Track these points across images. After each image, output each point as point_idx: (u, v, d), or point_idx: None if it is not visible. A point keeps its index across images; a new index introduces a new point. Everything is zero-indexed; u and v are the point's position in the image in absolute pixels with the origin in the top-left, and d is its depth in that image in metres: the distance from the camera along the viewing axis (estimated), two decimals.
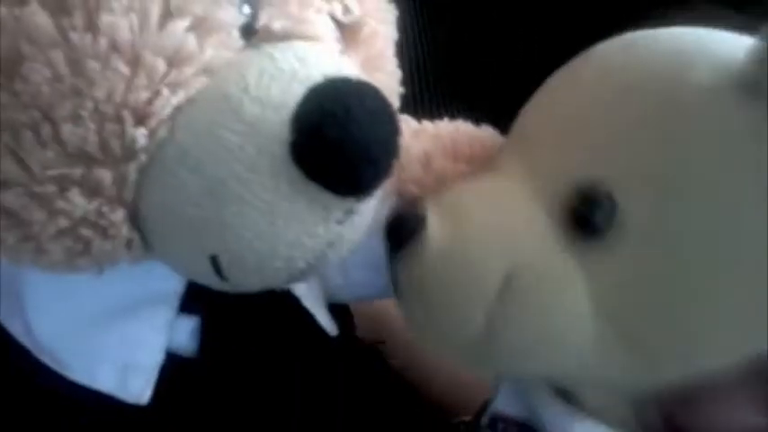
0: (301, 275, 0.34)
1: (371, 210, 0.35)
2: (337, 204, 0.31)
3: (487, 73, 0.73)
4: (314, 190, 0.31)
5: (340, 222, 0.32)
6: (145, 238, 0.33)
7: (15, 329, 0.38)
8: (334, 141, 0.29)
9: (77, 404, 0.37)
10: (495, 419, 0.41)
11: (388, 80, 0.38)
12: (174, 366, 0.38)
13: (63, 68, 0.29)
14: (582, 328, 0.33)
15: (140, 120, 0.30)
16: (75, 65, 0.29)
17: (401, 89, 0.39)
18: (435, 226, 0.35)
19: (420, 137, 0.43)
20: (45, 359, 0.38)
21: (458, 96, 0.71)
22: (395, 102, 0.38)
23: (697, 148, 0.32)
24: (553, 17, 0.69)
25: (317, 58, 0.32)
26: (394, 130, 0.32)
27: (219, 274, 0.33)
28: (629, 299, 0.33)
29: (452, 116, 0.44)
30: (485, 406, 0.43)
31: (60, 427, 0.38)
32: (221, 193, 0.31)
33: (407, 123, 0.43)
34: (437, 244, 0.35)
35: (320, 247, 0.32)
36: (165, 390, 0.38)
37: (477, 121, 0.44)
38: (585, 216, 0.33)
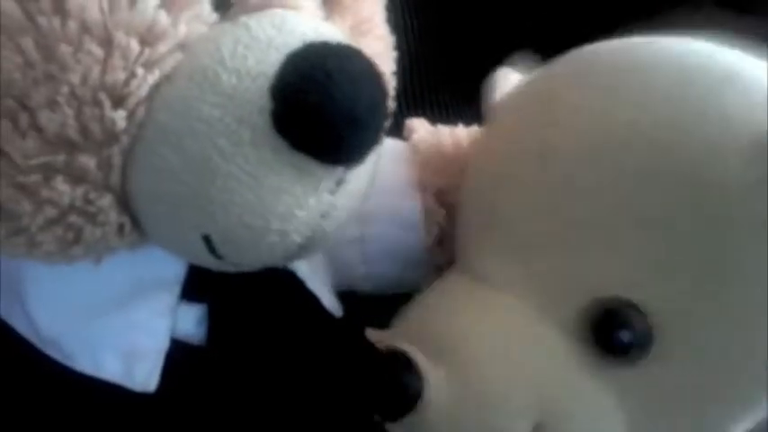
0: (300, 251, 0.33)
1: (366, 176, 0.33)
2: (327, 173, 0.31)
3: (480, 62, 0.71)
4: (300, 159, 0.30)
5: (332, 192, 0.31)
6: (137, 223, 0.33)
7: (18, 324, 0.38)
8: (316, 107, 0.29)
9: (85, 395, 0.37)
10: None
11: (378, 44, 0.37)
12: (182, 355, 0.38)
13: (34, 54, 0.29)
14: None
15: (118, 102, 0.30)
16: (47, 50, 0.29)
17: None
18: (436, 385, 0.29)
19: (436, 134, 0.43)
20: (50, 351, 0.37)
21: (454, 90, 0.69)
22: (388, 65, 0.37)
23: (745, 239, 0.28)
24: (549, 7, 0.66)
25: (294, 25, 0.31)
26: (380, 93, 0.31)
27: (214, 252, 0.32)
28: (664, 415, 0.29)
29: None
30: None
31: (69, 419, 0.37)
32: (206, 169, 0.30)
33: (423, 125, 0.44)
34: (443, 410, 0.29)
35: (314, 220, 0.32)
36: (173, 378, 0.37)
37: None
38: (613, 338, 0.29)
